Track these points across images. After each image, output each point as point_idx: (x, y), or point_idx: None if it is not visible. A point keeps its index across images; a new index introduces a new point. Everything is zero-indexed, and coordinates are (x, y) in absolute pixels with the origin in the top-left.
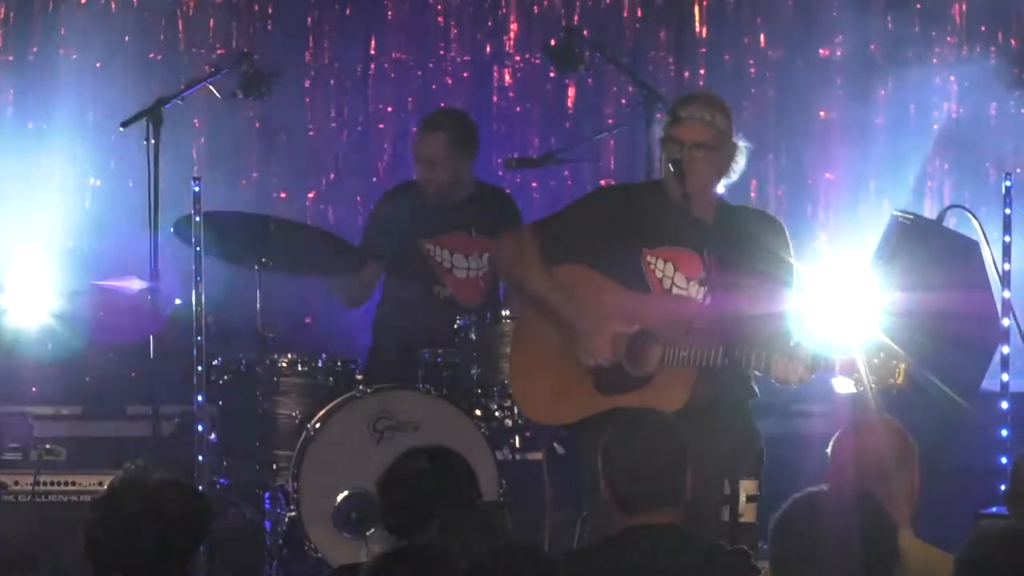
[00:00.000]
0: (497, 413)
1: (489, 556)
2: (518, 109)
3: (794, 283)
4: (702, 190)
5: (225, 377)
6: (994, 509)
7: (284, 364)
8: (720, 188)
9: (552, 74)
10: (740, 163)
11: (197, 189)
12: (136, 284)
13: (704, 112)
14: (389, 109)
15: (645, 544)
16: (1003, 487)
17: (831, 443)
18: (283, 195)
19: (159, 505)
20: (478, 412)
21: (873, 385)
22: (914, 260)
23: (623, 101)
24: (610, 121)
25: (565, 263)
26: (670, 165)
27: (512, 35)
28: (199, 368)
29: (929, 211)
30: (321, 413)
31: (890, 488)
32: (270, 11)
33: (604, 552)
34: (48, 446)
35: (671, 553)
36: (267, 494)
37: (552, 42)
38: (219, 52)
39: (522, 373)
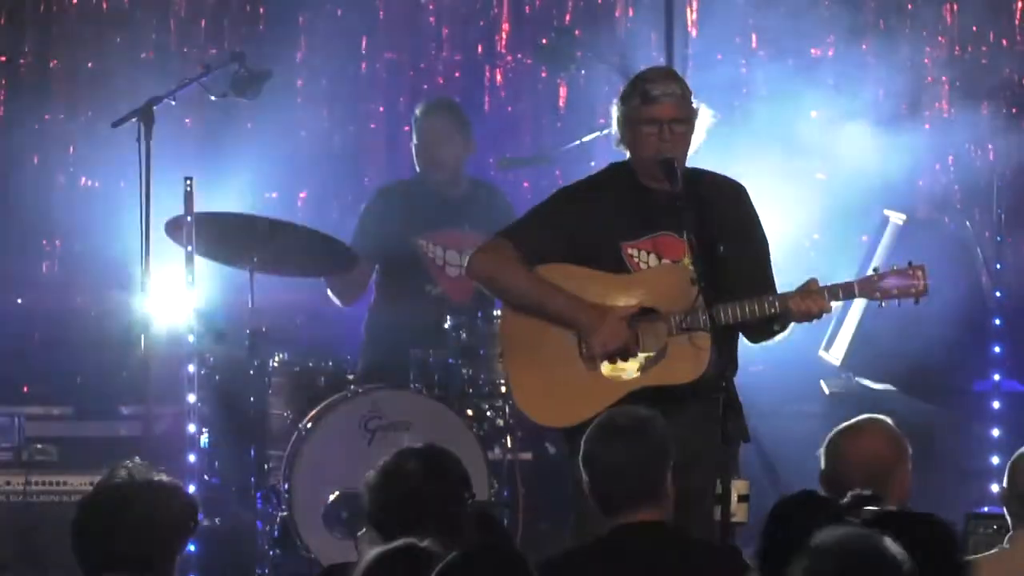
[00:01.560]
0: (489, 413)
1: (459, 558)
2: (510, 109)
3: (768, 251)
4: (679, 164)
5: (217, 377)
6: (985, 509)
7: (276, 364)
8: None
9: (544, 74)
10: (701, 130)
11: (189, 189)
12: None
13: (674, 87)
14: (381, 109)
15: (631, 543)
16: (995, 487)
17: (824, 443)
18: (274, 195)
19: (145, 504)
20: (470, 412)
21: (898, 300)
22: (904, 260)
23: (614, 101)
24: (601, 120)
25: (543, 264)
26: (661, 165)
27: (504, 35)
28: (190, 368)
29: (921, 211)
30: (313, 413)
31: (883, 489)
32: (261, 11)
33: (591, 552)
34: (39, 446)
35: (658, 551)
36: (259, 494)
37: (544, 42)
38: (211, 52)
39: (525, 385)
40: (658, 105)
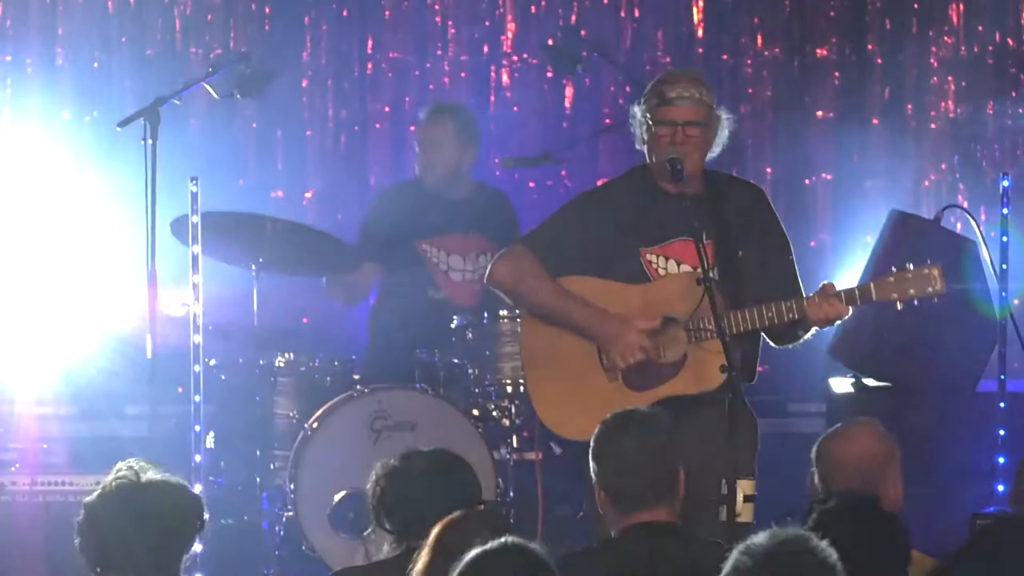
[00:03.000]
0: (494, 413)
1: (481, 555)
2: (516, 109)
3: (791, 253)
4: (695, 168)
5: (222, 377)
6: (991, 509)
7: (281, 364)
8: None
9: (550, 74)
10: (723, 135)
11: (195, 189)
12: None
13: (692, 90)
14: (386, 109)
15: (642, 543)
16: (1000, 487)
17: (815, 446)
18: (280, 195)
19: (150, 504)
20: (475, 412)
21: (916, 300)
22: (911, 260)
23: (620, 101)
24: (607, 121)
25: (563, 275)
26: (667, 164)
27: (510, 35)
28: (196, 368)
29: (927, 211)
30: (318, 413)
31: (877, 488)
32: (267, 11)
33: (602, 552)
34: (46, 446)
35: (669, 552)
36: (264, 494)
37: (550, 42)
38: (216, 52)
39: (546, 397)
40: (673, 107)
